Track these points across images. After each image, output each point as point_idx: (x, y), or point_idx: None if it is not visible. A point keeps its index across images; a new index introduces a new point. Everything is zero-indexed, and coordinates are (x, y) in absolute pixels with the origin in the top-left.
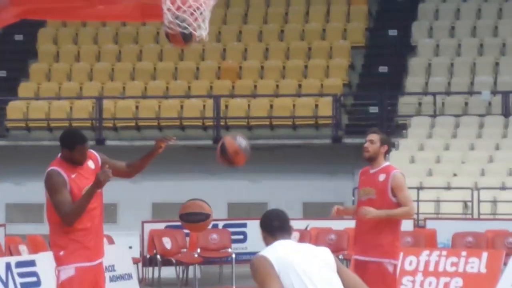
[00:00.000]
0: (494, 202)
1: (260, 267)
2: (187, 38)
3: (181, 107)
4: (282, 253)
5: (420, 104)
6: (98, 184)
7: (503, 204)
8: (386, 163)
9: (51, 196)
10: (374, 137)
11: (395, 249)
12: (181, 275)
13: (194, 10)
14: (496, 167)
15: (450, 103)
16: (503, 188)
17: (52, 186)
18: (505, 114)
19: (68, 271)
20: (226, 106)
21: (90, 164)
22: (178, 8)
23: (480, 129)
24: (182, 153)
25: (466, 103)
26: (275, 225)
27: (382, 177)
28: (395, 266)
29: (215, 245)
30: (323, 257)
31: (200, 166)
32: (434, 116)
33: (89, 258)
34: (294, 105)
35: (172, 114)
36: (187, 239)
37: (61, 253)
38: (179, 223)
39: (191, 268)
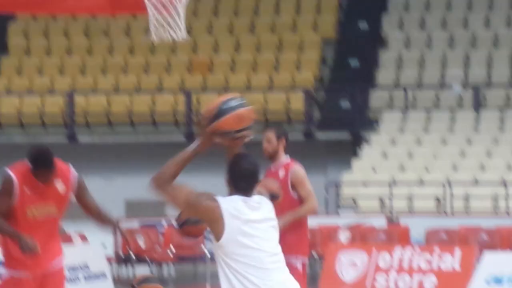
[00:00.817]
0: (467, 197)
1: (206, 207)
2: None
3: (153, 102)
4: (236, 212)
5: (391, 98)
6: (17, 241)
7: (475, 200)
8: (286, 159)
9: None
10: (270, 135)
11: (303, 246)
12: (155, 273)
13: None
14: (468, 162)
15: (421, 97)
16: (475, 183)
17: None
18: (477, 108)
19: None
20: (198, 101)
21: (59, 185)
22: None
23: (452, 123)
24: (154, 149)
25: (437, 97)
26: (241, 185)
27: (281, 173)
28: (303, 263)
29: (189, 243)
30: (271, 218)
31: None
32: (405, 110)
33: (22, 269)
34: (265, 100)
35: (143, 109)
36: (161, 237)
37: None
38: (152, 221)
39: (165, 266)
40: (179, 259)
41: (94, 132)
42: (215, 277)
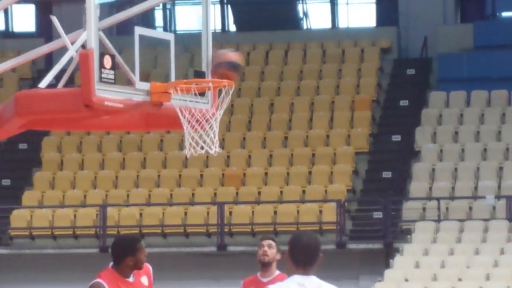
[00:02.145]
0: None
1: None
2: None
3: (185, 214)
4: None
5: (424, 209)
6: None
7: None
8: (278, 272)
9: None
10: (272, 242)
11: None
12: None
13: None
14: (501, 271)
15: (454, 208)
16: None
17: None
18: (510, 219)
19: None
20: (230, 213)
21: (144, 280)
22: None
23: (485, 233)
24: (187, 260)
25: (470, 208)
26: (301, 258)
27: None
28: None
29: None
30: None
31: (206, 273)
32: (438, 221)
33: None
34: (298, 211)
35: (176, 221)
36: None
37: None
38: None
39: None
40: None
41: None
42: None
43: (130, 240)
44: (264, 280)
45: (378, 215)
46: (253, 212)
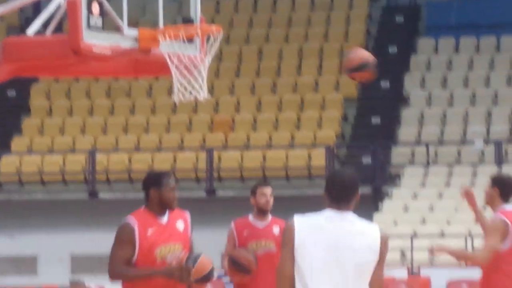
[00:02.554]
0: None
1: (284, 234)
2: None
3: (174, 159)
4: (314, 229)
5: (413, 154)
6: (168, 275)
7: None
8: (271, 216)
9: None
10: (271, 188)
11: None
12: None
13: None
14: (489, 215)
15: (442, 153)
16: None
17: (116, 237)
18: (498, 163)
19: None
20: (219, 159)
21: (179, 224)
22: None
23: (473, 178)
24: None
25: (459, 153)
26: (334, 194)
27: (276, 230)
28: None
29: None
30: (360, 258)
31: (195, 217)
32: (427, 165)
33: None
34: (287, 157)
35: (165, 167)
36: None
37: None
38: None
39: None
40: None
41: (115, 189)
42: None
43: (158, 173)
44: (261, 226)
45: (367, 160)
46: (242, 157)
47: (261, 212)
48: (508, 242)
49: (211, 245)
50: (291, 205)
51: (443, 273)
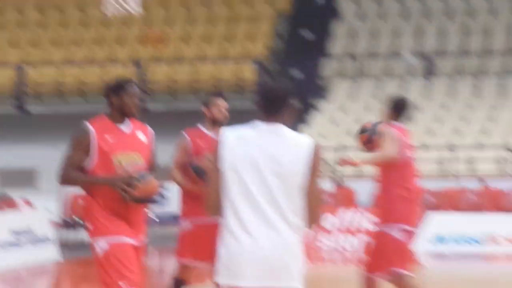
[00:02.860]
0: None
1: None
2: None
3: (105, 73)
4: (242, 141)
5: (343, 67)
6: (112, 185)
7: (423, 163)
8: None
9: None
10: (225, 104)
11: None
12: None
13: None
14: (416, 127)
15: (373, 67)
16: (423, 147)
17: (71, 141)
18: (427, 77)
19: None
20: (150, 72)
21: (140, 135)
22: None
23: (403, 91)
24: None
25: (389, 67)
26: (264, 105)
27: None
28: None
29: None
30: (290, 170)
31: None
32: (356, 79)
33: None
34: (218, 71)
35: (95, 81)
36: None
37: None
38: None
39: None
40: None
41: (45, 103)
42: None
43: (119, 80)
44: (215, 137)
45: (296, 73)
46: (173, 71)
47: (216, 124)
48: (400, 155)
49: None
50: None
51: (369, 185)
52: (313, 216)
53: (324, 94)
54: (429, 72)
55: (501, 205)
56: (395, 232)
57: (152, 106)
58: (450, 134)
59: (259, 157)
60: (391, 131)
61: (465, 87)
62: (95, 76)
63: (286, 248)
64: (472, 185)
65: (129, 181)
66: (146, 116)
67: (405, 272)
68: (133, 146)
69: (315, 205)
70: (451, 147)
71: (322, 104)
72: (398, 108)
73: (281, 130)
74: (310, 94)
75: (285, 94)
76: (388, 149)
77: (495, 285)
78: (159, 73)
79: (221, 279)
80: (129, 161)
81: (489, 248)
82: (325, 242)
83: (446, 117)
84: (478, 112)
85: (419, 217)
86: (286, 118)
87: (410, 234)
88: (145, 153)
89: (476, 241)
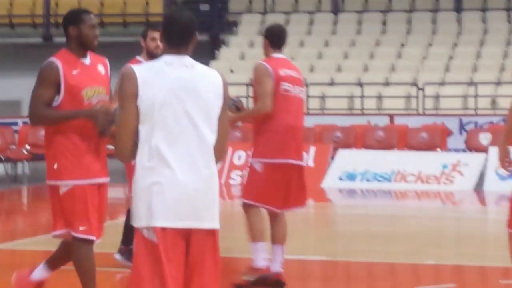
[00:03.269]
0: (323, 97)
1: (124, 83)
2: None
3: (11, 4)
4: (155, 75)
5: (250, 1)
6: (91, 117)
7: (331, 99)
8: None
9: (34, 87)
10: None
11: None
12: (9, 172)
13: None
14: (325, 63)
15: (280, 1)
16: (331, 83)
17: (39, 77)
18: (334, 11)
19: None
20: (56, 4)
21: (100, 67)
22: None
23: (310, 26)
24: (11, 50)
25: (296, 1)
26: (172, 36)
27: None
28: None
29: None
30: (206, 102)
31: (30, 64)
32: (264, 13)
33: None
34: (124, 3)
35: (1, 11)
36: (16, 135)
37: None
38: (7, 120)
39: (19, 164)
40: (34, 157)
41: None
42: None
43: (76, 10)
44: None
45: (205, 7)
46: (78, 2)
47: (152, 56)
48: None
49: None
50: (127, 51)
51: None
52: (222, 150)
53: (232, 29)
54: (337, 7)
55: (408, 142)
56: (256, 164)
57: (58, 39)
58: (358, 70)
59: (179, 91)
60: (260, 68)
61: (373, 23)
62: (1, 7)
63: (209, 185)
64: (380, 121)
65: (110, 116)
66: (53, 48)
67: (252, 202)
68: (97, 80)
69: (225, 139)
70: (360, 84)
71: (231, 39)
72: (274, 37)
73: (192, 63)
74: (218, 28)
75: (192, 24)
76: (265, 90)
77: (403, 221)
78: (64, 4)
79: (139, 222)
80: (96, 95)
81: (397, 185)
82: (235, 178)
83: (354, 53)
84: (386, 48)
85: (291, 151)
86: (190, 50)
87: (273, 166)
88: (107, 87)
89: (385, 178)
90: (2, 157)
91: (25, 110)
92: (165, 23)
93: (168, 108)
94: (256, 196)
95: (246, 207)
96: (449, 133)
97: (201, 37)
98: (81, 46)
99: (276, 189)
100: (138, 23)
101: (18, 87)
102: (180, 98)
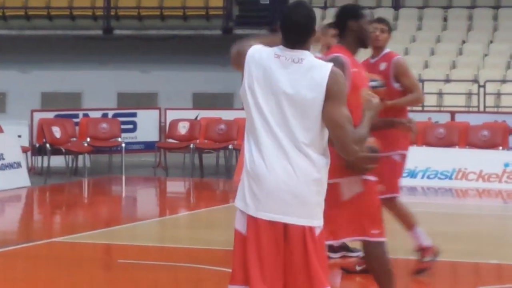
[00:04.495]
0: None
1: (238, 49)
2: None
3: None
4: (259, 63)
5: None
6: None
7: None
8: (387, 50)
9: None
10: (384, 26)
11: (402, 139)
12: (70, 164)
13: None
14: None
15: None
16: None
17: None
18: (395, 7)
19: None
20: None
21: (382, 65)
22: None
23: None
24: (72, 43)
25: None
26: (283, 30)
27: (383, 65)
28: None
29: (104, 135)
30: (301, 96)
31: (90, 56)
32: (325, 7)
33: None
34: None
35: (62, 3)
36: (77, 128)
37: None
38: (68, 112)
39: (80, 157)
40: (95, 150)
41: (11, 25)
42: (129, 168)
43: (355, 5)
44: (372, 61)
45: (265, 1)
46: None
47: (373, 49)
48: None
49: (104, 84)
50: (188, 45)
51: None
52: (341, 147)
53: None
54: (398, 2)
55: (469, 140)
56: (396, 156)
57: (118, 31)
58: (419, 66)
59: (271, 81)
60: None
61: (434, 19)
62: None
63: (302, 181)
64: (441, 118)
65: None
66: (113, 41)
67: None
68: (367, 80)
69: (341, 135)
70: (420, 80)
71: None
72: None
73: (300, 56)
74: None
75: (305, 21)
76: (419, 91)
77: (464, 220)
78: None
79: (237, 202)
80: (365, 97)
81: (458, 183)
82: None
83: (415, 49)
84: (447, 44)
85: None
86: (309, 44)
87: (405, 157)
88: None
89: (446, 176)
90: (63, 150)
91: (85, 102)
92: (283, 16)
93: (262, 98)
94: (399, 188)
95: (391, 202)
96: (510, 131)
97: (262, 31)
98: (358, 43)
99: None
100: (198, 16)
101: (79, 80)
102: (272, 90)
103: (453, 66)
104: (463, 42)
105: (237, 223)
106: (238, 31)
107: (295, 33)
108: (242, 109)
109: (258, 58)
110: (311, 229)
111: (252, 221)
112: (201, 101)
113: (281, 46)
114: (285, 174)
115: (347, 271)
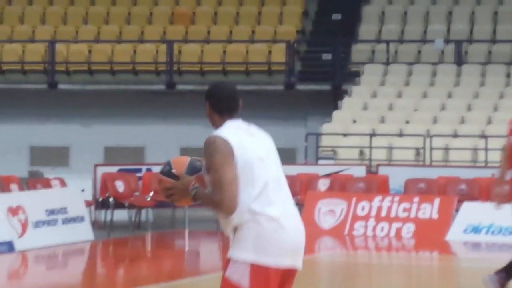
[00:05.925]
0: (446, 149)
1: (221, 150)
2: None
3: (134, 51)
4: (240, 137)
5: (373, 51)
6: None
7: (455, 152)
8: None
9: None
10: None
11: None
12: (133, 218)
13: None
14: (448, 115)
15: (403, 51)
16: (455, 135)
17: None
18: (458, 63)
19: None
20: (180, 52)
21: None
22: None
23: (433, 77)
24: (134, 97)
25: (419, 51)
26: (224, 105)
27: None
28: None
29: None
30: (269, 141)
31: (153, 111)
32: (387, 63)
33: None
34: (247, 51)
35: (125, 58)
36: (140, 182)
37: None
38: (131, 167)
39: (143, 211)
40: (158, 204)
41: (74, 80)
42: (192, 222)
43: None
44: None
45: (327, 56)
46: (202, 51)
47: None
48: None
49: (167, 139)
50: (250, 100)
51: (402, 172)
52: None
53: (355, 79)
54: (460, 58)
55: None
56: None
57: (181, 86)
58: (482, 122)
59: (262, 151)
60: None
61: (497, 74)
62: (124, 53)
63: (303, 229)
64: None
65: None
66: (175, 96)
67: None
68: None
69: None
70: (484, 136)
71: (354, 89)
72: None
73: (253, 126)
74: (341, 78)
75: (237, 91)
76: None
77: None
78: (188, 52)
79: (250, 256)
80: None
81: None
82: (359, 229)
83: (478, 105)
84: (511, 100)
85: None
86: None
87: None
88: None
89: (510, 232)
90: (126, 204)
91: (148, 157)
92: (217, 93)
93: (261, 165)
94: None
95: None
96: None
97: (324, 86)
98: None
99: None
100: (260, 71)
101: (141, 134)
102: (266, 157)
103: None
104: None
105: (234, 276)
106: (300, 87)
107: (235, 104)
108: (305, 164)
109: (238, 137)
110: None
111: (263, 271)
112: None
113: (232, 121)
114: (299, 226)
115: None
